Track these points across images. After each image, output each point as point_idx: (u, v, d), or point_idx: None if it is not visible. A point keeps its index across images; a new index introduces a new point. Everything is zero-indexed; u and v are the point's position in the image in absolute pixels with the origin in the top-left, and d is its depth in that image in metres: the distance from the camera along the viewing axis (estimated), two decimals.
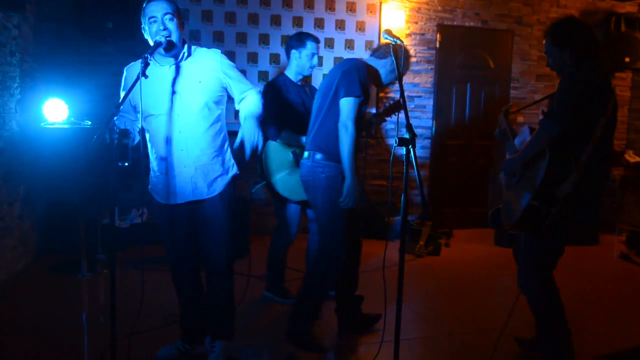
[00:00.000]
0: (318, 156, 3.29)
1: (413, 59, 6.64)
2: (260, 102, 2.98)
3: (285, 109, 3.96)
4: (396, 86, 6.47)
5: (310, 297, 3.38)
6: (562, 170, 2.80)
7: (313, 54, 4.05)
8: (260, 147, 2.85)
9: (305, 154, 3.40)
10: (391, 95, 6.61)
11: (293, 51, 4.06)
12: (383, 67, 3.41)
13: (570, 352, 3.07)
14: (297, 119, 3.92)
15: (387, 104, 4.29)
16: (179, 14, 2.90)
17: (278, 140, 3.93)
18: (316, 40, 4.09)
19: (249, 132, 2.83)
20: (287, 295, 4.23)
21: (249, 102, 2.98)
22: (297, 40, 4.07)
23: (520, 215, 2.85)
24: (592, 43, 2.97)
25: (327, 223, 3.33)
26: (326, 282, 3.37)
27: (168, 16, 2.82)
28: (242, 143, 2.85)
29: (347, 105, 3.17)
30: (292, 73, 4.08)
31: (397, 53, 2.76)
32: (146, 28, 2.87)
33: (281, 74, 4.13)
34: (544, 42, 3.11)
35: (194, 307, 3.26)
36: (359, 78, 3.18)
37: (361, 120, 3.30)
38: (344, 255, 3.32)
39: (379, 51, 3.44)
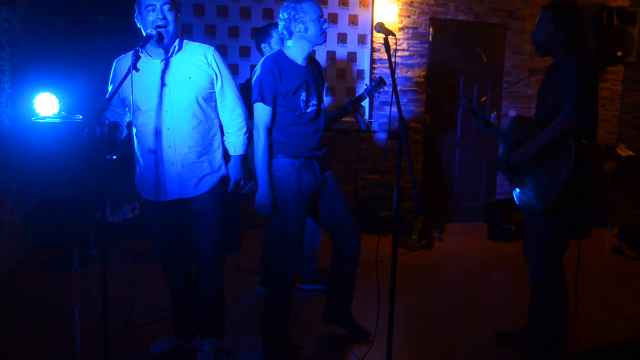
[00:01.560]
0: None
1: (405, 53, 6.63)
2: (245, 140, 3.12)
3: None
4: (388, 81, 6.46)
5: (274, 301, 3.30)
6: (586, 156, 2.83)
7: (282, 40, 4.04)
8: (243, 182, 3.17)
9: None
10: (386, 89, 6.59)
11: (263, 45, 4.07)
12: (299, 39, 3.14)
13: (565, 343, 3.12)
14: None
15: (367, 85, 4.24)
16: (175, 6, 2.87)
17: None
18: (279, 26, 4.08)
19: (235, 171, 3.12)
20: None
21: (238, 141, 3.10)
22: (262, 33, 4.08)
23: (550, 202, 2.86)
24: (584, 33, 3.03)
25: (280, 223, 3.21)
26: (285, 283, 3.28)
27: (167, 6, 2.79)
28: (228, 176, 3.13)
29: (255, 112, 3.13)
30: None
31: (389, 45, 2.72)
32: (140, 16, 2.83)
33: None
34: (540, 14, 3.11)
35: (186, 301, 3.25)
36: (260, 80, 3.09)
37: (297, 113, 3.16)
38: (298, 254, 3.25)
39: (280, 29, 3.19)
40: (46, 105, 4.69)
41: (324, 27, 3.15)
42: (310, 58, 3.25)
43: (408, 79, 6.70)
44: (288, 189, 3.15)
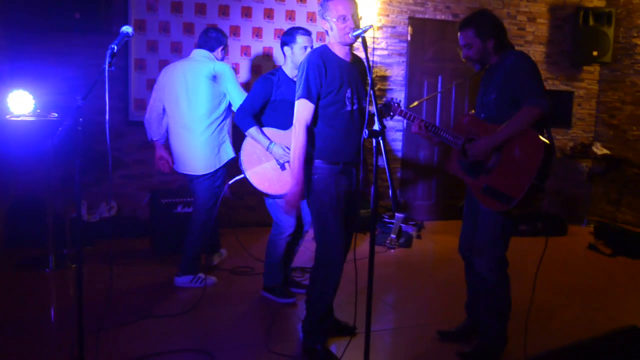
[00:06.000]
0: (308, 158, 3.15)
1: (384, 52, 6.65)
2: None
3: (271, 104, 3.95)
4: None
5: (315, 306, 3.27)
6: (551, 146, 2.90)
7: (305, 47, 3.99)
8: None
9: None
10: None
11: (285, 47, 4.04)
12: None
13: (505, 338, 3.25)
14: (281, 115, 3.90)
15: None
16: None
17: (261, 133, 3.89)
18: (307, 32, 4.06)
19: None
20: (287, 295, 4.10)
21: None
22: (288, 35, 4.05)
23: (523, 196, 2.88)
24: (505, 32, 3.16)
25: (319, 227, 3.19)
26: (328, 289, 3.23)
27: None
28: None
29: (295, 107, 3.11)
30: (288, 69, 4.03)
31: (366, 43, 2.73)
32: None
33: (277, 69, 4.09)
34: (458, 34, 3.19)
35: None
36: (306, 75, 3.05)
37: (340, 107, 3.11)
38: (341, 258, 3.19)
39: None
40: (20, 102, 4.62)
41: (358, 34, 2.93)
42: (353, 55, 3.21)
43: (387, 77, 6.72)
44: (326, 192, 3.13)
